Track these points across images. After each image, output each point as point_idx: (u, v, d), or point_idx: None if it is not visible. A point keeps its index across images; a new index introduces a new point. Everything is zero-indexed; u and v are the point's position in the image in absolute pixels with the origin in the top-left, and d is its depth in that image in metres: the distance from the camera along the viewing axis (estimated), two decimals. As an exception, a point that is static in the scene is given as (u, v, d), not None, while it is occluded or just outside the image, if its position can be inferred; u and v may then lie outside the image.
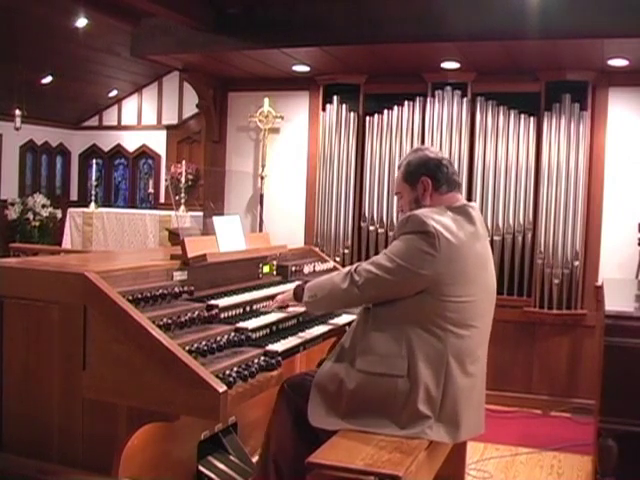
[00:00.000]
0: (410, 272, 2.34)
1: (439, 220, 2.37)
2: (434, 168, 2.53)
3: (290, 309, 2.86)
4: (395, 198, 2.73)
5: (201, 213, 6.63)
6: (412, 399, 2.32)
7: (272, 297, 2.91)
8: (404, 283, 2.37)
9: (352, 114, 5.56)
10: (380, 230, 5.41)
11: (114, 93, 9.99)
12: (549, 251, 4.99)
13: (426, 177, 2.52)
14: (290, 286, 2.90)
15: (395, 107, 5.45)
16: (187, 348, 2.16)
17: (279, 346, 2.51)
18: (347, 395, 2.41)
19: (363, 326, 2.50)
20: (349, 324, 2.90)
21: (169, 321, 2.28)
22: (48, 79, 8.79)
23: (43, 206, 9.61)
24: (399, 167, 2.65)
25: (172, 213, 7.35)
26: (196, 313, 2.43)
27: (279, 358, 2.39)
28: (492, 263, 2.59)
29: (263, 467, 2.66)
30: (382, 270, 2.39)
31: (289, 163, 5.91)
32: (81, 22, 7.17)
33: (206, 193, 6.43)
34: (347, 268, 2.55)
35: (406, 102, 5.41)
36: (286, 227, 5.69)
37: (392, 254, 2.40)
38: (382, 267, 2.39)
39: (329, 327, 2.97)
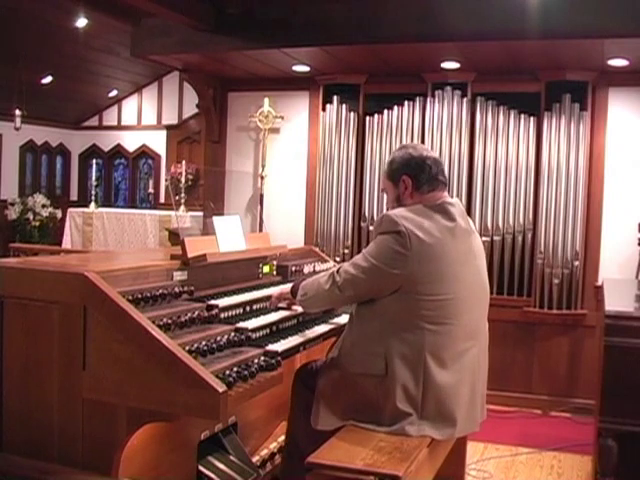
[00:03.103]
0: (383, 271, 2.38)
1: (412, 219, 2.40)
2: (416, 167, 2.53)
3: (293, 307, 2.89)
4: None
5: (201, 213, 6.63)
6: (391, 398, 2.36)
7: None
8: (378, 282, 2.42)
9: (352, 114, 5.56)
10: (380, 230, 5.41)
11: (114, 93, 9.98)
12: (549, 251, 4.99)
13: (407, 176, 2.54)
14: (288, 285, 2.91)
15: (395, 107, 5.46)
16: (187, 348, 2.15)
17: (279, 346, 2.51)
18: (337, 394, 2.48)
19: (349, 327, 2.57)
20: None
21: (169, 321, 2.28)
22: (48, 79, 8.78)
23: (43, 206, 9.59)
24: (386, 164, 2.68)
25: (172, 213, 7.33)
26: (196, 313, 2.43)
27: (279, 358, 2.39)
28: (480, 258, 2.59)
29: (287, 447, 2.79)
30: (358, 270, 2.45)
31: (289, 163, 5.91)
32: (81, 22, 7.15)
33: (206, 193, 6.44)
34: (333, 268, 2.61)
35: (406, 102, 5.41)
36: (286, 227, 5.69)
37: (368, 254, 2.46)
38: (358, 267, 2.46)
39: (329, 327, 2.97)
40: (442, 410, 2.38)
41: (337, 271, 2.53)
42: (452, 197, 2.61)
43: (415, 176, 2.53)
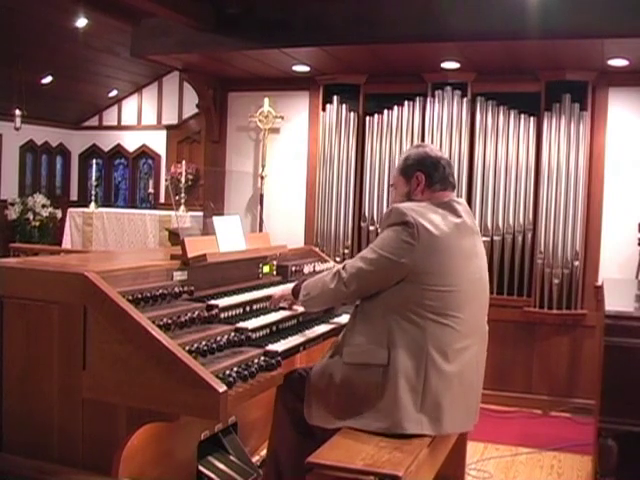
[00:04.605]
0: (390, 261, 2.40)
1: (420, 212, 2.43)
2: (430, 166, 2.58)
3: (294, 307, 2.88)
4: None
5: (201, 213, 6.63)
6: (392, 388, 2.35)
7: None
8: (385, 273, 2.43)
9: (352, 114, 5.56)
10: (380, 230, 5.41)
11: (114, 93, 9.98)
12: (549, 251, 4.99)
13: (421, 173, 2.57)
14: (289, 285, 2.91)
15: (395, 107, 5.46)
16: (187, 348, 2.16)
17: (279, 346, 2.51)
18: (335, 389, 2.47)
19: (352, 321, 2.57)
20: (349, 324, 2.91)
21: (169, 321, 2.28)
22: (48, 79, 8.78)
23: (43, 206, 9.59)
24: (399, 160, 2.70)
25: (172, 213, 7.34)
26: (196, 313, 2.43)
27: (279, 358, 2.39)
28: (482, 260, 2.61)
29: (268, 460, 2.72)
30: (365, 262, 2.47)
31: (289, 163, 5.91)
32: (81, 22, 7.16)
33: (206, 193, 6.43)
34: (337, 267, 2.61)
35: (406, 102, 5.41)
36: (286, 227, 5.69)
37: (375, 246, 2.48)
38: (365, 260, 2.48)
39: (329, 327, 2.98)
40: (440, 404, 2.38)
41: (343, 268, 2.54)
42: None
43: (429, 174, 2.56)
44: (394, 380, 2.36)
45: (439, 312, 2.39)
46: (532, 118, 5.12)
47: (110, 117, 10.46)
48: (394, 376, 2.36)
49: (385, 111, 5.49)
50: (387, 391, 2.36)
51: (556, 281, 4.97)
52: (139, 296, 2.31)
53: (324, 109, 5.64)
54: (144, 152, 10.27)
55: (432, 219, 2.43)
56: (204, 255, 2.69)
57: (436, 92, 5.29)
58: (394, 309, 2.41)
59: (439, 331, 2.38)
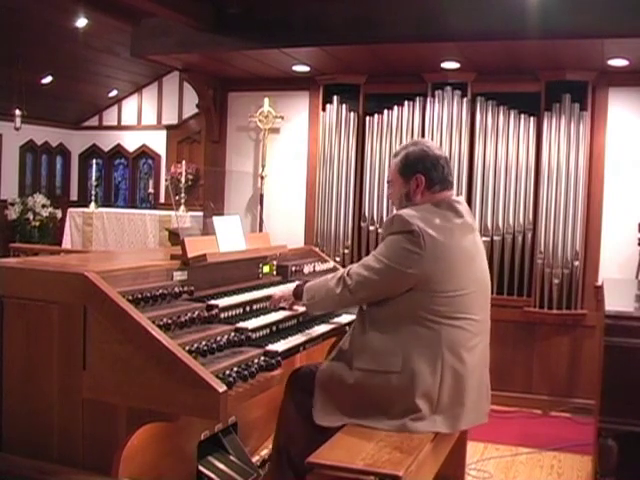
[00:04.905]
0: (398, 272, 2.38)
1: (424, 218, 2.41)
2: (430, 166, 2.54)
3: (294, 307, 2.88)
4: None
5: (201, 213, 6.63)
6: (408, 393, 2.35)
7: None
8: (393, 283, 2.41)
9: (352, 114, 5.56)
10: (380, 230, 5.42)
11: (114, 93, 9.98)
12: (549, 251, 4.99)
13: (421, 174, 2.53)
14: (289, 285, 2.91)
15: (395, 107, 5.46)
16: (187, 348, 2.15)
17: (279, 346, 2.51)
18: (347, 392, 2.46)
19: (359, 327, 2.55)
20: (349, 324, 2.91)
21: (169, 321, 2.28)
22: (48, 79, 8.78)
23: (43, 206, 9.59)
24: (396, 155, 2.63)
25: (172, 213, 7.34)
26: (196, 313, 2.43)
27: (279, 358, 2.39)
28: (482, 256, 2.61)
29: (275, 458, 2.73)
30: (371, 272, 2.44)
31: (289, 163, 5.91)
32: (81, 22, 7.16)
33: (206, 193, 6.44)
34: (341, 271, 2.60)
35: (406, 102, 5.41)
36: (286, 227, 5.69)
37: (380, 255, 2.45)
38: (371, 268, 2.45)
39: (329, 327, 2.97)
40: (455, 403, 2.39)
41: (347, 274, 2.52)
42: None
43: (429, 175, 2.53)
44: (408, 386, 2.35)
45: (450, 316, 2.39)
46: (532, 118, 5.13)
47: (110, 117, 10.46)
48: (409, 382, 2.36)
49: (385, 111, 5.49)
50: (401, 396, 2.36)
51: (556, 281, 4.97)
52: (139, 296, 2.31)
53: (324, 109, 5.64)
54: (144, 152, 10.27)
55: (435, 225, 2.41)
56: (204, 255, 2.69)
57: (436, 92, 5.29)
58: (406, 316, 2.40)
59: (453, 333, 2.39)
